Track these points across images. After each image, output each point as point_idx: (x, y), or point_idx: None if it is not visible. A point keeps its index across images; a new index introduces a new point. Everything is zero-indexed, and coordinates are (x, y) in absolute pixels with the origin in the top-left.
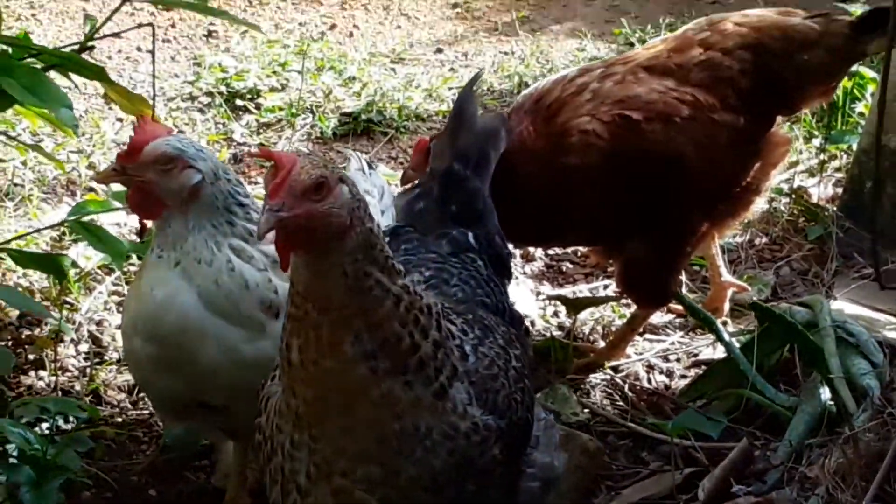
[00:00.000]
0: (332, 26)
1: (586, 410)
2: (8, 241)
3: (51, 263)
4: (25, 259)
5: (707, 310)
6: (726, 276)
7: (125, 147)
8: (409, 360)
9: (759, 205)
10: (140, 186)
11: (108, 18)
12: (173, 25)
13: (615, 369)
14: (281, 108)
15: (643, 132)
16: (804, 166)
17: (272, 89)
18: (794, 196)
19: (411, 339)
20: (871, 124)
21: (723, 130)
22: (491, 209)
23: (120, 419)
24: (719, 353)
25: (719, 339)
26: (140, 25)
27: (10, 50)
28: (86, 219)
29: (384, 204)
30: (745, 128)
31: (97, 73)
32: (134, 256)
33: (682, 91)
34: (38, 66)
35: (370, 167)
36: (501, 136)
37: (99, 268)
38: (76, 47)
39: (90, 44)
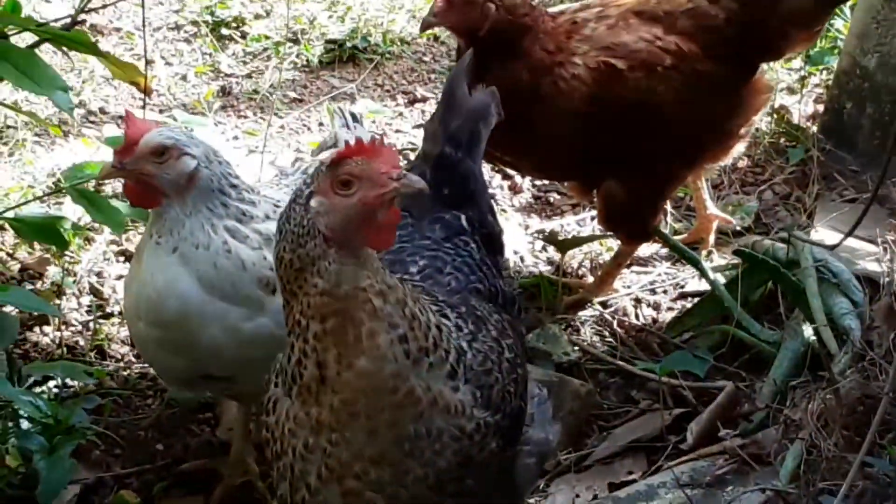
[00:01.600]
0: None
1: (577, 349)
2: (8, 209)
3: (53, 233)
4: (27, 229)
5: (693, 240)
6: (711, 208)
7: (120, 145)
8: (427, 342)
9: (740, 149)
10: (139, 179)
11: None
12: None
13: (604, 305)
14: (267, 37)
15: (625, 80)
16: (784, 84)
17: (257, 16)
18: (775, 116)
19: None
20: (850, 45)
21: (705, 79)
22: (483, 187)
23: (125, 373)
24: (705, 284)
25: (704, 276)
26: None
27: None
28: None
29: None
30: (728, 76)
31: (90, 48)
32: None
33: (668, 39)
34: (31, 41)
35: (355, 120)
36: (492, 111)
37: None
38: (68, 20)
39: (81, 17)
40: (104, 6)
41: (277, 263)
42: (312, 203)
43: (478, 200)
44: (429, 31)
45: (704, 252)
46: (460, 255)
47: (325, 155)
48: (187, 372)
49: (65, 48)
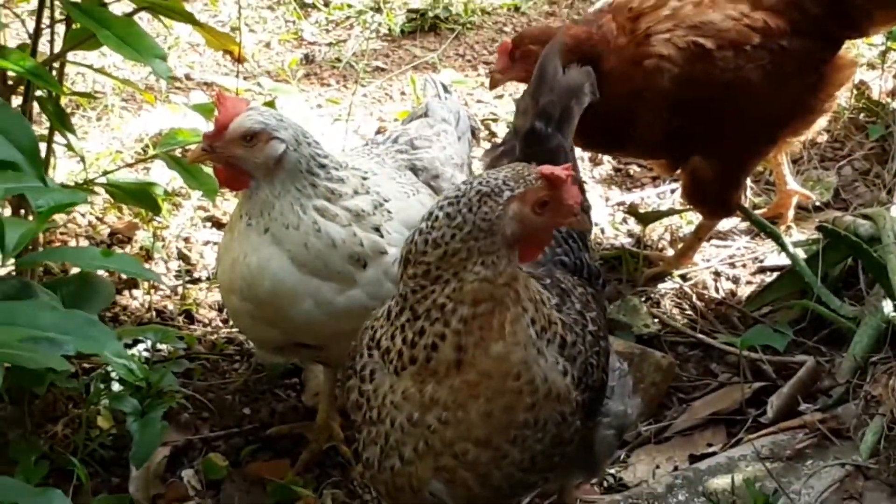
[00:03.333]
0: None
1: (656, 321)
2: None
3: (146, 197)
4: (122, 194)
5: (772, 215)
6: (792, 183)
7: (211, 127)
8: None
9: (822, 123)
10: (228, 162)
11: None
12: None
13: (683, 277)
14: (349, 6)
15: (714, 60)
16: (864, 59)
17: None
18: (855, 91)
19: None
20: None
21: (791, 57)
22: (574, 163)
23: (213, 338)
24: (784, 258)
25: (785, 251)
26: None
27: None
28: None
29: (461, 129)
30: (813, 53)
31: (186, 17)
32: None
33: (754, 17)
34: (128, 10)
35: (446, 91)
36: (586, 90)
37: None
38: None
39: None
40: None
41: (433, 247)
42: (513, 207)
43: None
44: (510, 1)
45: (783, 227)
46: None
47: (415, 125)
48: (280, 341)
49: (162, 17)
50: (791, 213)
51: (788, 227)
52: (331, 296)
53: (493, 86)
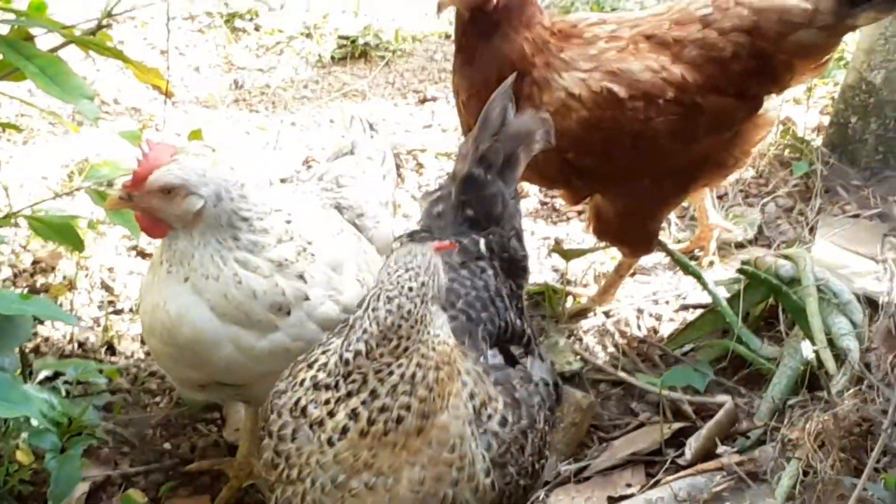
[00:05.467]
0: None
1: (578, 358)
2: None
3: (69, 232)
4: (45, 229)
5: (693, 248)
6: (713, 217)
7: (130, 177)
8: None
9: (735, 176)
10: (146, 210)
11: None
12: None
13: (607, 314)
14: (280, 31)
15: (624, 108)
16: (790, 94)
17: (271, 10)
18: (780, 127)
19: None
20: (857, 60)
21: (705, 114)
22: (513, 211)
23: (134, 370)
24: (706, 296)
25: (707, 290)
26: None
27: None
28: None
29: (386, 167)
30: (730, 111)
31: (114, 53)
32: None
33: (673, 71)
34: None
35: (372, 129)
36: (536, 137)
37: None
38: (93, 25)
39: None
40: (126, 12)
41: (405, 318)
42: (442, 275)
43: (503, 224)
44: (440, 29)
45: (706, 261)
46: (475, 287)
47: (341, 162)
48: (202, 381)
49: (90, 51)
50: (713, 246)
51: (711, 263)
52: (252, 341)
53: (440, 9)
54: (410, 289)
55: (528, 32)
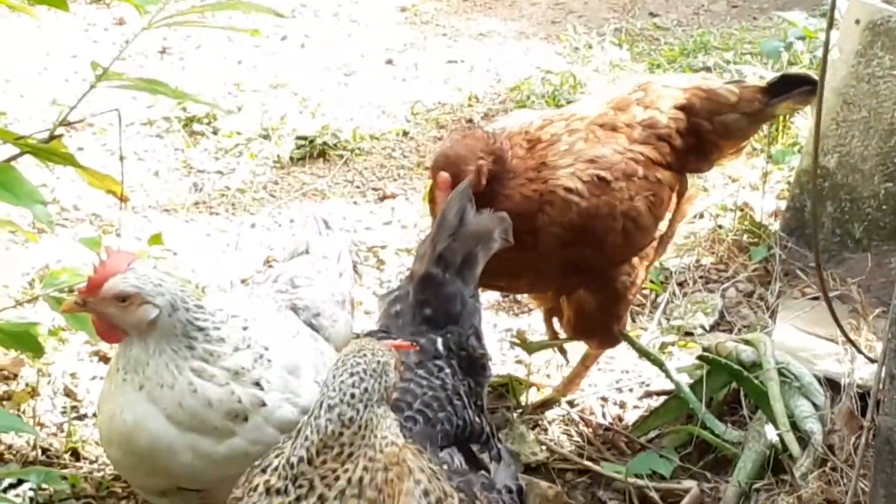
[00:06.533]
0: (284, 38)
1: (544, 448)
2: None
3: (28, 339)
4: (4, 337)
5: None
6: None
7: (86, 283)
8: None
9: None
10: (102, 316)
11: (75, 106)
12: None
13: (571, 403)
14: (238, 132)
15: (613, 191)
16: (747, 180)
17: (229, 112)
18: (738, 213)
19: None
20: (811, 145)
21: (663, 188)
22: (472, 310)
23: (99, 475)
24: (670, 382)
25: (669, 377)
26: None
27: None
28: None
29: (342, 266)
30: (674, 184)
31: (68, 160)
32: None
33: (635, 150)
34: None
35: (327, 227)
36: (495, 237)
37: None
38: (46, 135)
39: (58, 131)
40: (81, 121)
41: (346, 425)
42: (391, 375)
43: (462, 323)
44: (398, 127)
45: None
46: (431, 388)
47: (294, 263)
48: (163, 486)
49: (44, 161)
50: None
51: (670, 354)
52: (210, 448)
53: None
54: (353, 395)
55: (516, 179)
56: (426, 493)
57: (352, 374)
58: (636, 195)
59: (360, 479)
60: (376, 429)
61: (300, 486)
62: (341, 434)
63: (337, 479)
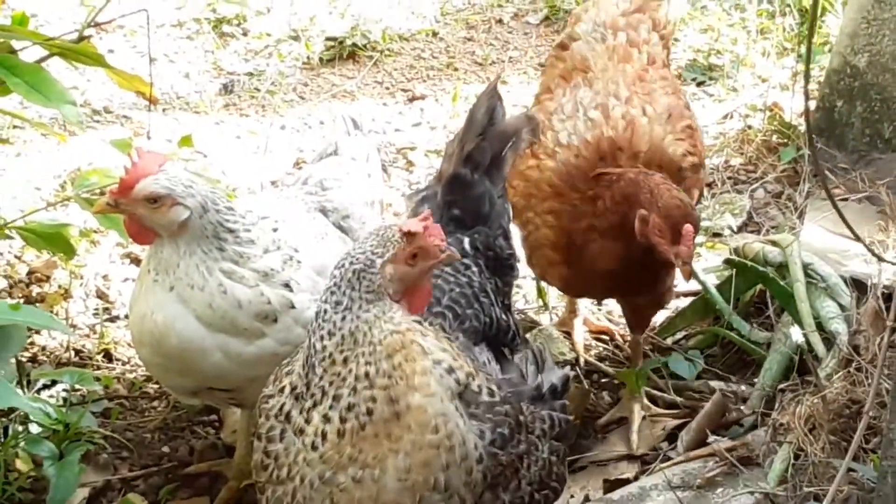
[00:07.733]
0: None
1: (572, 350)
2: (16, 218)
3: (60, 240)
4: (36, 238)
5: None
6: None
7: (117, 185)
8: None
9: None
10: (133, 217)
11: (104, 6)
12: None
13: (598, 306)
14: (268, 34)
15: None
16: (776, 80)
17: (258, 13)
18: (768, 113)
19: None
20: (842, 44)
21: None
22: (501, 211)
23: (131, 376)
24: (696, 284)
25: (696, 278)
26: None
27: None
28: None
29: (371, 166)
30: None
31: (97, 61)
32: None
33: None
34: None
35: (356, 127)
36: (522, 136)
37: None
38: (75, 35)
39: (87, 32)
40: (110, 21)
41: (328, 337)
42: (388, 270)
43: (490, 224)
44: (427, 27)
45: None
46: (459, 285)
47: (324, 164)
48: (193, 387)
49: (73, 62)
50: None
51: (698, 254)
52: (240, 348)
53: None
54: (327, 310)
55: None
56: (451, 370)
57: (328, 288)
58: None
59: (366, 374)
60: (369, 331)
61: (313, 394)
62: (332, 350)
63: (344, 379)
